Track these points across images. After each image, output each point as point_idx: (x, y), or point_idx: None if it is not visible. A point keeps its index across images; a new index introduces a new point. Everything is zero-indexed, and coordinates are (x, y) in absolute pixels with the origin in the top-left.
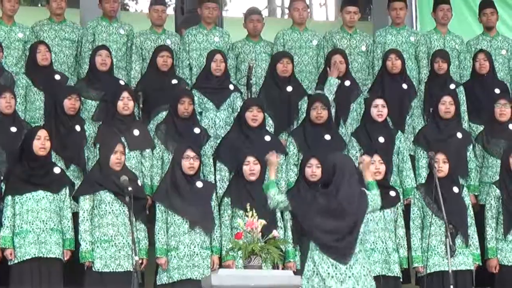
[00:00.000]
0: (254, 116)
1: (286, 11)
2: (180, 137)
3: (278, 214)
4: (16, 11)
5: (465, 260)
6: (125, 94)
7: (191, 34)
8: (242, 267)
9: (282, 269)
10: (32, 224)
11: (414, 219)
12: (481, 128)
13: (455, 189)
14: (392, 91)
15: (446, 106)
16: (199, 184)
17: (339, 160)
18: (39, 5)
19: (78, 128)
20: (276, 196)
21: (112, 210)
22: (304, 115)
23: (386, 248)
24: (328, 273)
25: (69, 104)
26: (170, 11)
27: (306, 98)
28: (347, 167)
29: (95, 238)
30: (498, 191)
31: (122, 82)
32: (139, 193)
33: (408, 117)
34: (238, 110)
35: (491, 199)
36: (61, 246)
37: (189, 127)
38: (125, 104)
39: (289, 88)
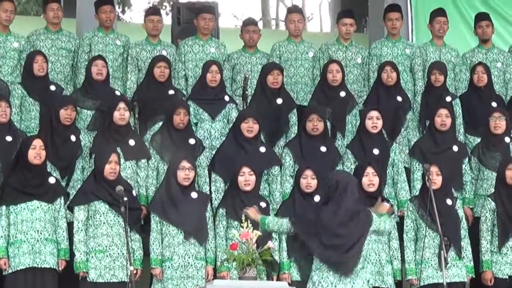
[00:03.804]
0: (250, 127)
1: (280, 23)
2: (175, 148)
3: None
4: (11, 21)
5: (459, 272)
6: (121, 104)
7: (187, 45)
8: (237, 278)
9: (277, 280)
10: (27, 234)
11: (408, 232)
12: (477, 140)
13: (449, 202)
14: (387, 103)
15: (442, 119)
16: (194, 195)
17: (342, 177)
18: (32, 14)
19: (73, 138)
20: (277, 223)
21: (107, 220)
22: (293, 128)
23: (380, 259)
24: None
25: (65, 114)
26: (167, 21)
27: (295, 110)
28: (350, 184)
29: (90, 248)
30: (493, 203)
31: (118, 93)
32: (134, 204)
33: (403, 130)
34: (233, 121)
35: (486, 212)
36: (55, 256)
37: (185, 138)
38: (121, 114)
39: (279, 101)
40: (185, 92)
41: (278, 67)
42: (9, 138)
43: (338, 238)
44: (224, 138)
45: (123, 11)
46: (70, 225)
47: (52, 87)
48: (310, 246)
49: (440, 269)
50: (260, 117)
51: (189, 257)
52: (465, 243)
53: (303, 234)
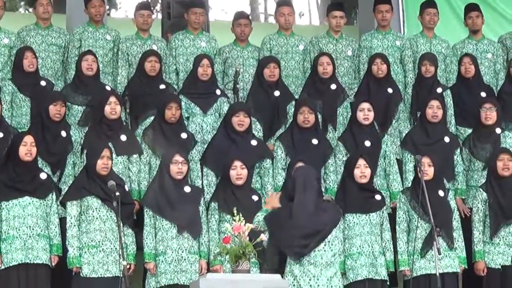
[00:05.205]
0: (241, 121)
1: (269, 17)
2: (167, 142)
3: None
4: (1, 17)
5: (451, 262)
6: (112, 98)
7: (178, 39)
8: (230, 272)
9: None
10: (19, 230)
11: (400, 223)
12: (468, 131)
13: (440, 193)
14: (378, 95)
15: (433, 110)
16: (187, 189)
17: (301, 172)
18: (20, 10)
19: (64, 134)
20: (258, 217)
21: (100, 215)
22: (292, 119)
23: (373, 251)
24: (310, 286)
25: (55, 110)
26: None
27: (293, 102)
28: (309, 177)
29: (83, 243)
30: (484, 194)
31: (108, 88)
32: (126, 198)
33: (394, 121)
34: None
35: (478, 203)
36: (48, 252)
37: (176, 132)
38: (113, 108)
39: (277, 93)
40: (176, 87)
41: (275, 60)
42: (0, 135)
43: (306, 229)
44: (215, 132)
45: (115, 8)
46: (62, 221)
47: (43, 83)
48: (284, 249)
49: (422, 255)
50: (259, 110)
51: (182, 251)
52: (457, 234)
53: (275, 237)
